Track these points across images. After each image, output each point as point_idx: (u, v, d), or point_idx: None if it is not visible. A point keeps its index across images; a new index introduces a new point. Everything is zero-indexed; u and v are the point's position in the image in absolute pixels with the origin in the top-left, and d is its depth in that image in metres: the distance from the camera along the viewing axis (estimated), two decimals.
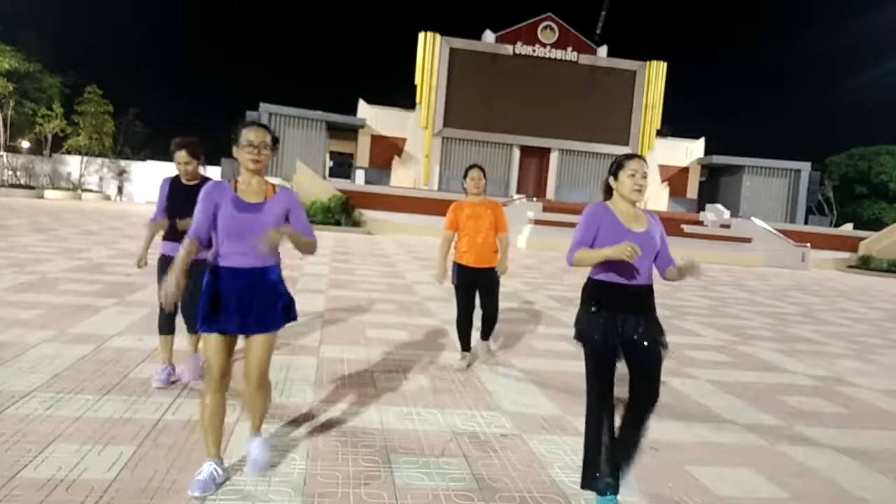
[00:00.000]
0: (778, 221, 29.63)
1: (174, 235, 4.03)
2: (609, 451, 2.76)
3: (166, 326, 4.14)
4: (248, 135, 2.74)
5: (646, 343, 2.80)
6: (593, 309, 2.82)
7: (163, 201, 4.12)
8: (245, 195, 2.78)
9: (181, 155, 4.06)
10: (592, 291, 2.88)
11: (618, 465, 2.79)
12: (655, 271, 2.97)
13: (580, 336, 2.86)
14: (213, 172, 26.69)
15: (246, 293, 2.76)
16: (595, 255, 2.75)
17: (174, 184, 4.15)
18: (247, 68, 73.29)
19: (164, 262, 4.02)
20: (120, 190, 33.99)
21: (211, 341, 2.77)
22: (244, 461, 2.98)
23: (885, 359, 7.00)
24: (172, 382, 4.08)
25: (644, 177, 2.87)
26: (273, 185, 2.87)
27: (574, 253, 2.81)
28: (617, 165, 2.92)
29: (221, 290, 2.74)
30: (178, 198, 4.07)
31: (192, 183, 4.10)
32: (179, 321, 4.08)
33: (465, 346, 5.13)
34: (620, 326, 2.80)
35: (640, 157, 2.95)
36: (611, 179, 2.92)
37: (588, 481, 2.81)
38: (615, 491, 2.77)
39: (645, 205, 31.05)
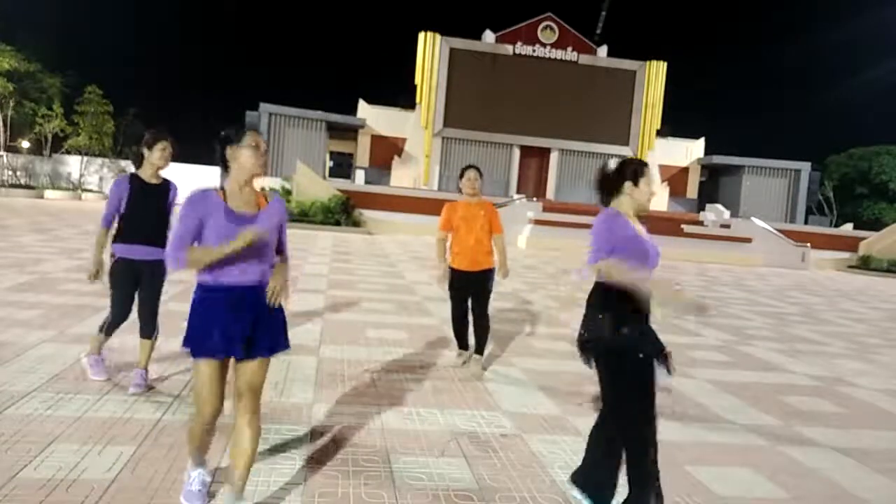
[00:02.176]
0: (778, 221, 29.57)
1: (128, 237, 3.84)
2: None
3: (111, 329, 4.00)
4: (256, 136, 2.52)
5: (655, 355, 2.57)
6: (625, 329, 2.53)
7: (117, 202, 3.83)
8: (236, 206, 2.49)
9: (165, 144, 3.83)
10: (623, 302, 2.54)
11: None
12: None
13: (617, 352, 2.53)
14: (214, 173, 26.74)
15: (247, 313, 2.48)
16: (625, 274, 2.48)
17: (135, 182, 3.86)
18: (247, 68, 73.39)
19: (122, 266, 3.84)
20: None
21: (203, 370, 2.44)
22: None
23: (884, 359, 7.00)
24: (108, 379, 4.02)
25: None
26: (263, 194, 2.62)
27: (598, 260, 2.53)
28: (634, 172, 2.69)
29: (217, 310, 2.43)
30: (142, 198, 3.84)
31: (155, 182, 3.91)
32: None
33: (462, 344, 5.22)
34: (652, 336, 2.60)
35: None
36: (628, 185, 2.68)
37: None
38: None
39: None
